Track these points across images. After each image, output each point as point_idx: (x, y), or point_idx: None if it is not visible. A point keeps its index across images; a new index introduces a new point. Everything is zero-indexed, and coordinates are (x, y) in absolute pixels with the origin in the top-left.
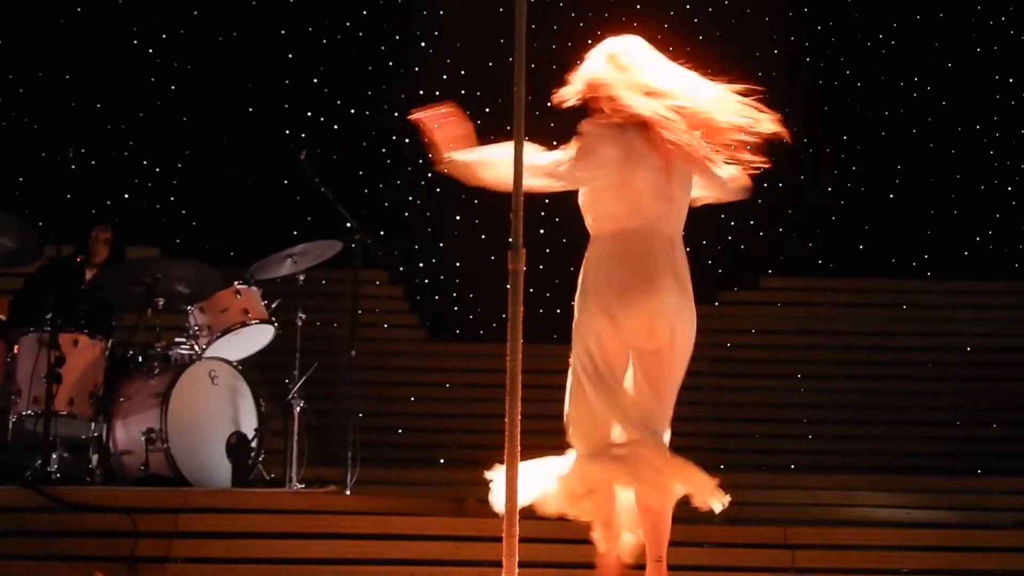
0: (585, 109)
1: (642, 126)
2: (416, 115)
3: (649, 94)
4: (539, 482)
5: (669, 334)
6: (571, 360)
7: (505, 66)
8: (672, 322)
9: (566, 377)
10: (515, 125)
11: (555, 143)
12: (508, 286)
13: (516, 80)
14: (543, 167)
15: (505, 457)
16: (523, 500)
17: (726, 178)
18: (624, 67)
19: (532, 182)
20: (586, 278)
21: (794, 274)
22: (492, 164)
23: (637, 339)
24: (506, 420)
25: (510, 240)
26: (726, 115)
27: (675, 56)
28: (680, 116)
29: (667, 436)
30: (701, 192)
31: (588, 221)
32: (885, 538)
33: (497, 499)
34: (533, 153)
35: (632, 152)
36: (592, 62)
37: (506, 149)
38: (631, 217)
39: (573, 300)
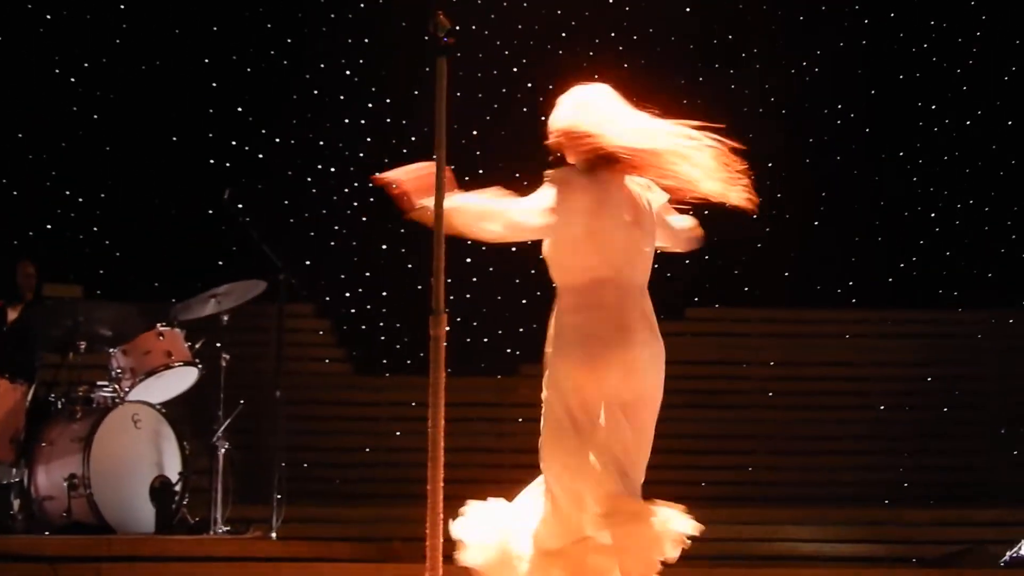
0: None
1: (613, 167)
2: (380, 176)
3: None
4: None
5: (643, 384)
6: (544, 411)
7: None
8: (647, 372)
9: (496, 408)
10: (437, 183)
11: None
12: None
13: (437, 144)
14: (511, 215)
15: (428, 530)
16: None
17: (678, 228)
18: (596, 113)
19: (497, 230)
20: (559, 331)
21: (719, 304)
22: (461, 211)
23: (615, 390)
24: (428, 488)
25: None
26: (697, 162)
27: (639, 103)
28: (654, 157)
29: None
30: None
31: (555, 272)
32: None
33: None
34: (500, 201)
35: (603, 201)
36: (562, 110)
37: (475, 198)
38: (602, 267)
39: (500, 331)
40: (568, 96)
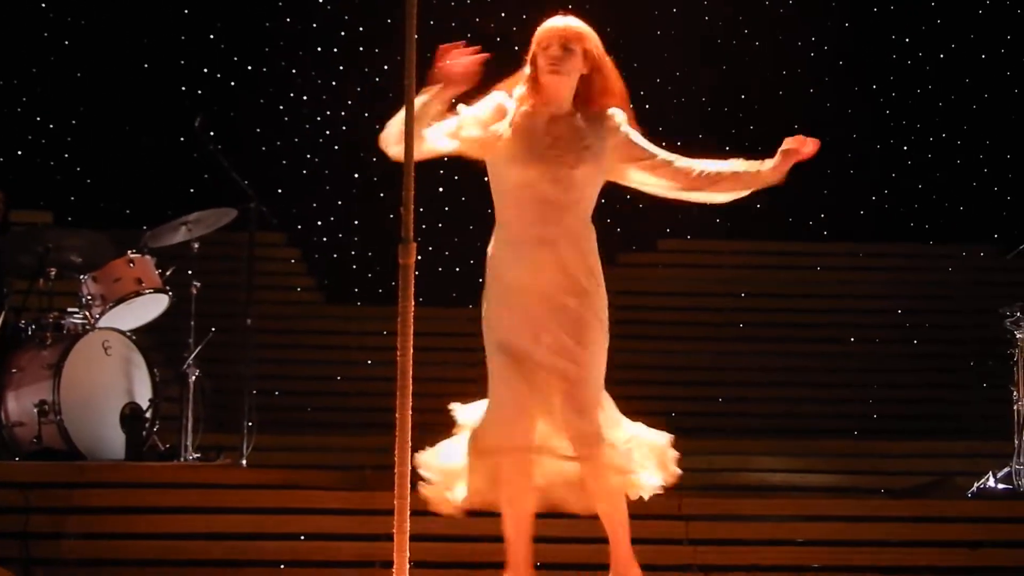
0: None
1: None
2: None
3: None
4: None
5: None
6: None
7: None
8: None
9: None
10: (407, 116)
11: None
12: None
13: (407, 73)
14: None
15: (396, 459)
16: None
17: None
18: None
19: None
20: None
21: (691, 236)
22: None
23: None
24: (397, 416)
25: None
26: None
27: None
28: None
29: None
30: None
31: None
32: (780, 507)
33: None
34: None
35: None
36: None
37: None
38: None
39: (471, 261)
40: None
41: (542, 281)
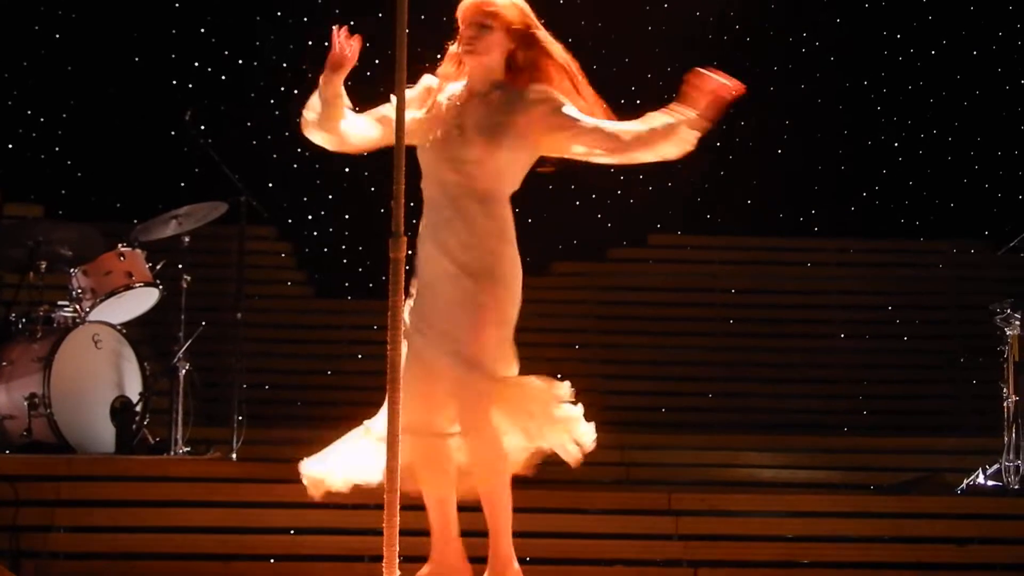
0: None
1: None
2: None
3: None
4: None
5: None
6: None
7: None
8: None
9: None
10: (397, 112)
11: None
12: (388, 275)
13: (398, 67)
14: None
15: (386, 453)
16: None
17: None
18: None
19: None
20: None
21: (682, 231)
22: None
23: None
24: (387, 410)
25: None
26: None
27: None
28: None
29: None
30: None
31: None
32: (770, 503)
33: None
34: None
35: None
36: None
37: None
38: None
39: None
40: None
41: (440, 266)
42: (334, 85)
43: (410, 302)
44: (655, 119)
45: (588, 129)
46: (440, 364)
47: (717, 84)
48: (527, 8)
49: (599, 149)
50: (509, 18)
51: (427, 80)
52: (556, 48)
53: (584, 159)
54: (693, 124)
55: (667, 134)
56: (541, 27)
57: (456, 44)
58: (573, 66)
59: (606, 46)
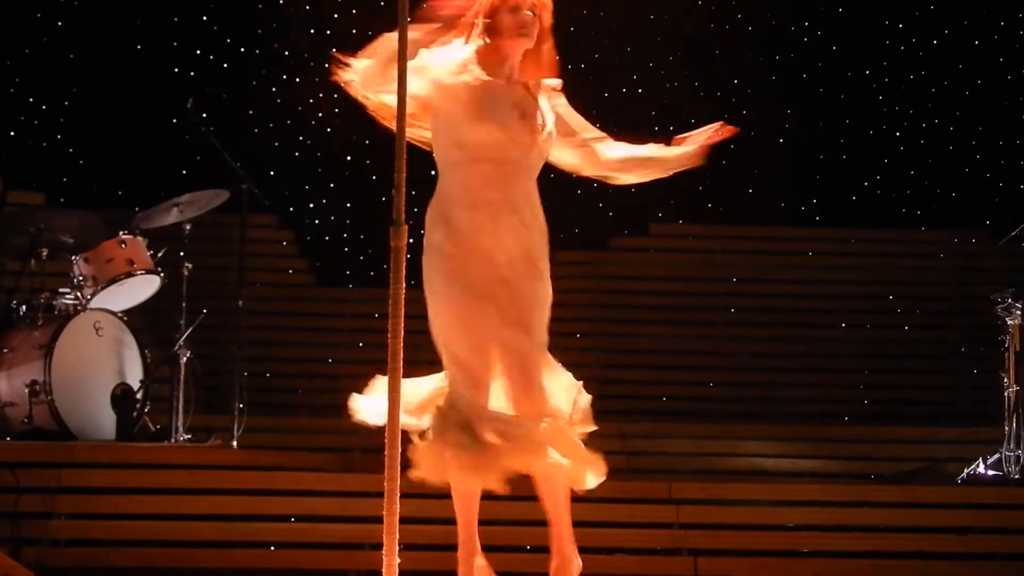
0: None
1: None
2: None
3: None
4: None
5: None
6: None
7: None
8: None
9: None
10: (399, 95)
11: None
12: (389, 263)
13: (399, 56)
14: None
15: (386, 441)
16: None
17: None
18: None
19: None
20: None
21: (683, 220)
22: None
23: None
24: (388, 399)
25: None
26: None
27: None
28: None
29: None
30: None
31: None
32: (770, 492)
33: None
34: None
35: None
36: None
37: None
38: None
39: None
40: None
41: (505, 245)
42: (430, 43)
43: (449, 274)
44: (644, 149)
45: (585, 141)
46: (497, 354)
47: (709, 137)
48: None
49: (584, 161)
50: (549, 13)
51: (456, 50)
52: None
53: (555, 163)
54: (683, 162)
55: (652, 166)
56: None
57: (491, 21)
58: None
59: (608, 36)
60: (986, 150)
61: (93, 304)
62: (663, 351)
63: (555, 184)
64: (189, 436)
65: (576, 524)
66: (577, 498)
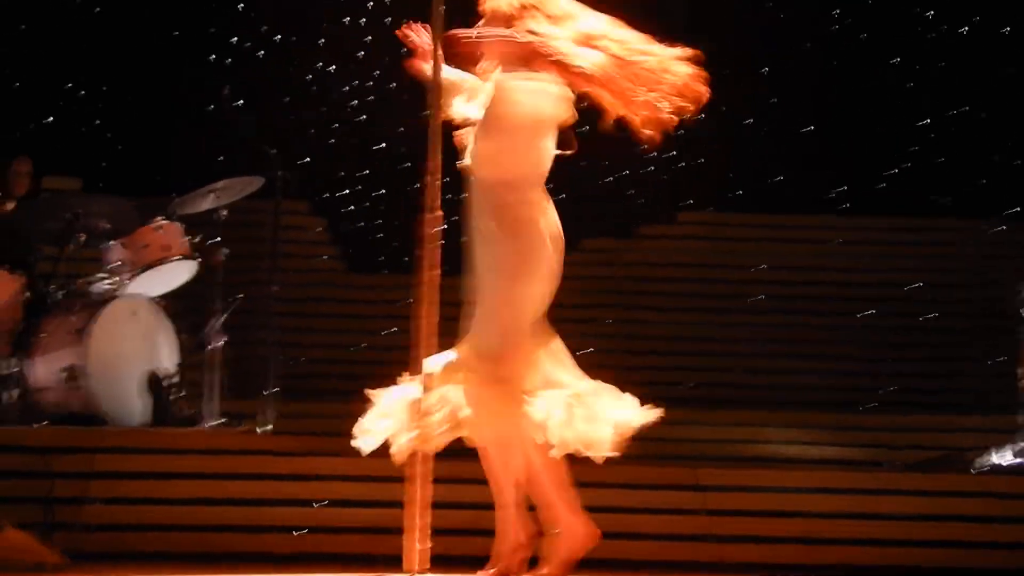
0: None
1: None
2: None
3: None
4: None
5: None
6: None
7: None
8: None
9: None
10: (434, 80)
11: None
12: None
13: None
14: None
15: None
16: None
17: None
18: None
19: None
20: None
21: (712, 209)
22: None
23: None
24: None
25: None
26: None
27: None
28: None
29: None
30: None
31: None
32: (794, 479)
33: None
34: None
35: None
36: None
37: None
38: None
39: None
40: None
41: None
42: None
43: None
44: None
45: None
46: None
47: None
48: None
49: None
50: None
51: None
52: None
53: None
54: None
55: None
56: None
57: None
58: None
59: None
60: (1011, 138)
61: (129, 290)
62: (689, 337)
63: (583, 173)
64: (222, 421)
65: (601, 510)
66: (601, 484)
